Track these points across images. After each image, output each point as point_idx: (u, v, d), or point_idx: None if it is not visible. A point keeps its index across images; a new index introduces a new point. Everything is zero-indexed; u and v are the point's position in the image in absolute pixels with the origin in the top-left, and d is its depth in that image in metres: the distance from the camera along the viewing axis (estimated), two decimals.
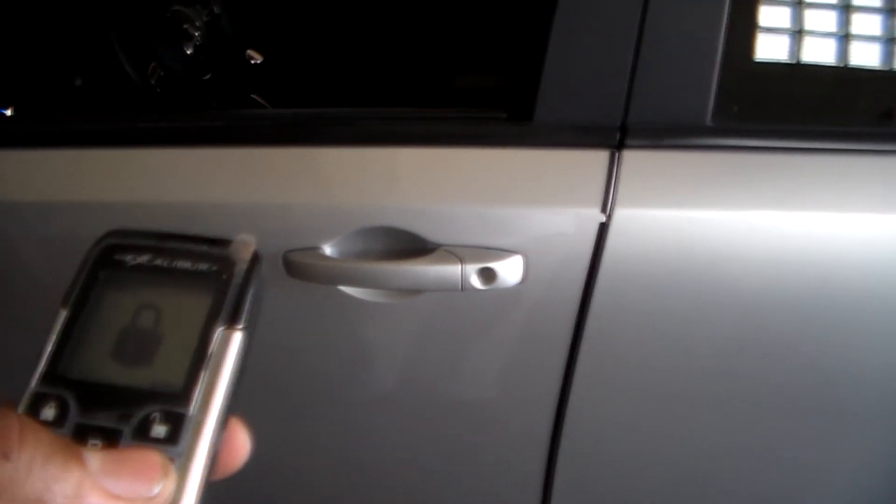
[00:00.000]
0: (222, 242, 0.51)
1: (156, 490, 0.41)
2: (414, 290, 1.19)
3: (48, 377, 0.47)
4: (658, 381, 1.26)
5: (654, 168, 1.15)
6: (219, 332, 0.48)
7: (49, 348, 0.48)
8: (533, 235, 1.15)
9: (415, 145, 1.18)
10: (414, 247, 1.16)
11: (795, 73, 1.16)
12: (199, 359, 0.48)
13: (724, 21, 1.13)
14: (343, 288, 1.20)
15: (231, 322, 0.49)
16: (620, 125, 1.15)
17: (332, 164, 1.19)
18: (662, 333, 1.20)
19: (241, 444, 0.48)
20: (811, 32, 1.16)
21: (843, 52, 1.16)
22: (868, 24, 1.17)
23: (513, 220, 1.15)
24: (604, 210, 1.13)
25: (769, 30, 1.16)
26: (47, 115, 1.52)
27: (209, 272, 0.50)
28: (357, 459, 1.45)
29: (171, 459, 0.44)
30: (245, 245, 0.51)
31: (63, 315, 0.49)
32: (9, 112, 1.51)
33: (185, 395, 0.46)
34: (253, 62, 1.83)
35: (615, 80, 1.14)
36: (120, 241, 0.51)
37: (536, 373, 1.27)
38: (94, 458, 0.40)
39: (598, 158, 1.14)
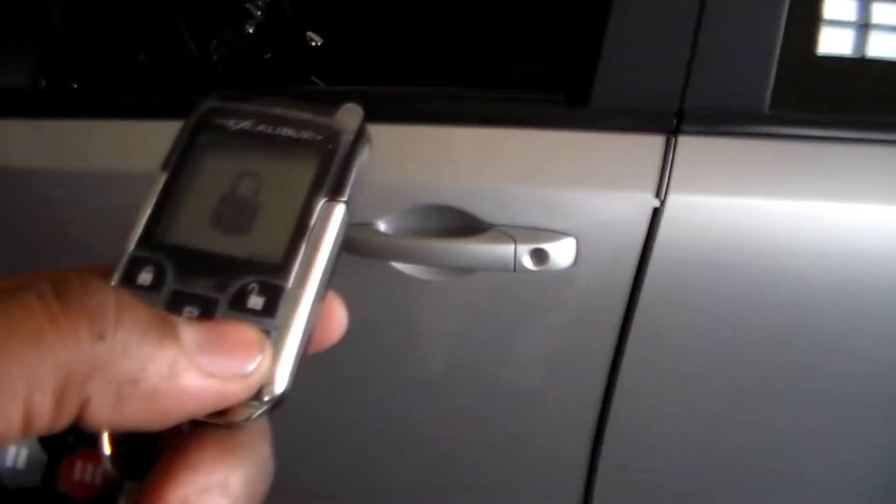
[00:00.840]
0: (328, 111, 0.49)
1: (251, 367, 0.40)
2: (466, 269, 1.21)
3: (146, 241, 0.45)
4: (707, 370, 1.26)
5: (709, 155, 1.15)
6: (321, 203, 0.46)
7: (147, 212, 0.46)
8: (586, 219, 1.16)
9: (471, 125, 1.19)
10: (468, 225, 1.17)
11: (855, 65, 1.16)
12: (300, 230, 0.45)
13: (784, 9, 1.13)
14: (396, 264, 1.22)
15: (334, 194, 0.46)
16: (677, 111, 1.15)
17: (388, 142, 1.20)
18: (713, 322, 1.20)
19: (339, 318, 0.46)
20: (876, 26, 1.15)
21: None
22: None
23: (567, 202, 1.16)
24: (658, 195, 1.13)
25: (831, 21, 1.15)
26: (110, 88, 1.55)
27: (313, 141, 0.48)
28: (401, 438, 1.46)
29: (267, 332, 0.42)
30: (352, 114, 0.49)
31: (162, 178, 0.47)
32: (74, 86, 1.54)
33: (284, 266, 0.44)
34: (313, 44, 1.85)
35: (673, 66, 1.14)
36: (223, 104, 0.49)
37: (585, 357, 1.28)
38: (190, 333, 0.39)
39: (653, 143, 1.14)
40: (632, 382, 1.27)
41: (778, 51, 1.13)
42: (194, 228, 0.46)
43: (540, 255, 1.15)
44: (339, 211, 0.46)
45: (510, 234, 1.15)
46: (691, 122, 1.14)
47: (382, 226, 1.19)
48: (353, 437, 1.49)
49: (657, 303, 1.19)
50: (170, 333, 0.38)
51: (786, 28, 1.13)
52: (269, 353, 0.41)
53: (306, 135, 0.47)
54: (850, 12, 1.15)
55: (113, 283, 0.43)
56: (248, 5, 1.64)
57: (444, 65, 2.05)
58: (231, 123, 0.48)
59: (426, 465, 1.50)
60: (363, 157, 0.48)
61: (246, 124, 0.48)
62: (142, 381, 0.36)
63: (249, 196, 0.47)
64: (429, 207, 1.18)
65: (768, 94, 1.14)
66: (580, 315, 1.23)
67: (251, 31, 1.63)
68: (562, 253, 1.15)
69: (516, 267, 1.15)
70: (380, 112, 1.22)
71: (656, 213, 1.14)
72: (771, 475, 1.38)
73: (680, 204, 1.13)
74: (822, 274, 1.15)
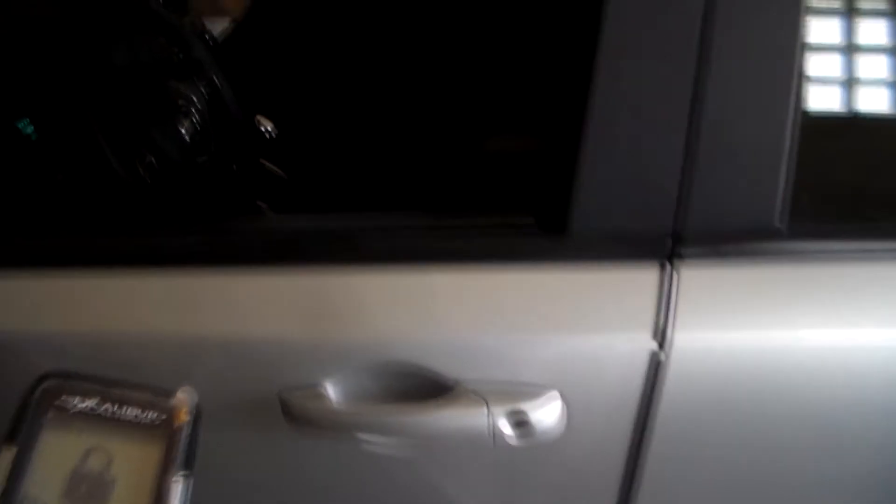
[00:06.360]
0: (166, 392, 0.55)
1: None
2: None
3: None
4: None
5: (715, 282, 0.97)
6: (173, 479, 0.52)
7: None
8: (571, 370, 0.98)
9: (427, 264, 1.01)
10: (430, 385, 0.99)
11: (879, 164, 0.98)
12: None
13: (791, 104, 0.94)
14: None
15: (183, 469, 0.53)
16: (672, 232, 0.97)
17: (333, 291, 1.02)
18: (732, 483, 1.02)
19: None
20: None
21: None
22: None
23: (548, 352, 0.98)
24: (656, 336, 0.95)
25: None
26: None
27: (158, 422, 0.53)
28: None
29: None
30: (188, 397, 0.55)
31: (10, 455, 0.51)
32: None
33: None
34: (264, 131, 1.67)
35: (664, 179, 0.97)
36: (62, 383, 0.53)
37: None
38: None
39: (646, 274, 0.97)
40: None
41: (787, 152, 0.94)
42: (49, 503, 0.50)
43: (520, 420, 0.96)
44: (189, 484, 0.53)
45: (481, 393, 0.96)
46: (690, 244, 0.97)
47: (330, 388, 1.00)
48: None
49: (664, 468, 1.01)
50: None
51: (794, 125, 0.95)
52: None
53: (151, 415, 0.54)
54: None
55: None
56: (181, 102, 1.45)
57: (415, 140, 1.87)
58: (75, 402, 0.53)
59: None
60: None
61: (90, 404, 0.53)
62: None
63: (100, 471, 0.51)
64: (385, 365, 1.00)
65: (778, 203, 0.95)
66: (571, 484, 1.04)
67: (186, 133, 1.44)
68: (546, 414, 0.96)
69: (494, 437, 0.96)
70: (318, 254, 1.04)
71: (656, 358, 0.96)
72: None
73: (684, 345, 0.95)
74: (865, 420, 0.97)
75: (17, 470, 0.50)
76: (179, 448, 0.53)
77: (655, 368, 0.95)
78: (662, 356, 0.95)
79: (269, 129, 1.68)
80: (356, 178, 1.83)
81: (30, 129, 1.45)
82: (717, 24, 0.93)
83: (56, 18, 1.43)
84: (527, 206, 1.06)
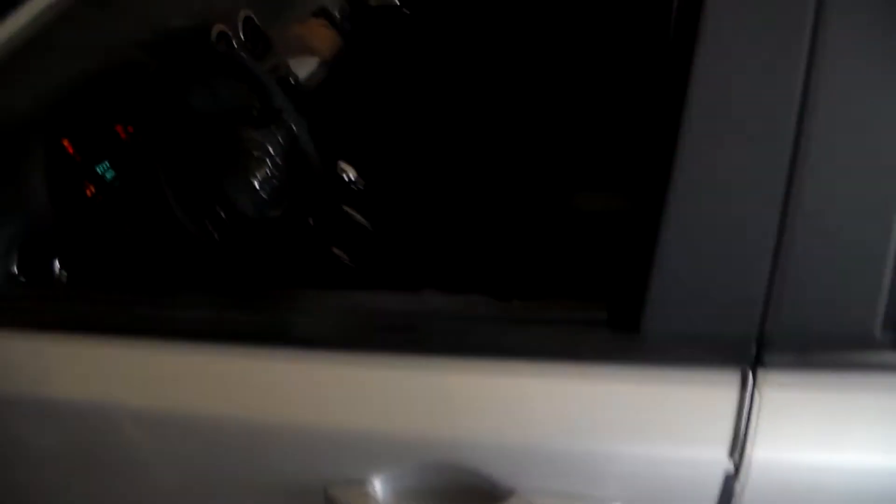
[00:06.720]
0: None
1: None
2: None
3: None
4: None
5: (803, 396, 0.87)
6: None
7: None
8: (637, 485, 0.89)
9: (489, 359, 0.95)
10: (484, 491, 0.92)
11: None
12: None
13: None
14: None
15: None
16: (756, 337, 0.87)
17: (389, 382, 0.98)
18: None
19: None
20: None
21: None
22: None
23: (611, 464, 0.90)
24: (733, 453, 0.86)
25: None
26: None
27: None
28: None
29: None
30: None
31: None
32: (57, 264, 1.34)
33: None
34: (346, 179, 1.62)
35: (750, 275, 0.87)
36: None
37: None
38: None
39: (725, 382, 0.88)
40: None
41: (893, 251, 0.84)
42: None
43: None
44: None
45: None
46: (776, 350, 0.87)
47: (378, 485, 0.95)
48: None
49: None
50: None
51: None
52: None
53: None
54: None
55: None
56: (256, 152, 1.40)
57: (502, 195, 1.81)
58: None
59: None
60: None
61: None
62: None
63: None
64: (435, 465, 0.94)
65: (879, 308, 0.85)
66: None
67: (260, 188, 1.39)
68: None
69: None
70: (381, 342, 1.00)
71: (732, 480, 0.86)
72: None
73: (765, 465, 0.86)
74: None
75: None
76: None
77: (730, 490, 0.86)
78: (739, 477, 0.86)
79: (352, 177, 1.63)
80: (442, 230, 1.78)
81: (111, 175, 1.43)
82: (815, 100, 0.83)
83: (138, 64, 1.42)
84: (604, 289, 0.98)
